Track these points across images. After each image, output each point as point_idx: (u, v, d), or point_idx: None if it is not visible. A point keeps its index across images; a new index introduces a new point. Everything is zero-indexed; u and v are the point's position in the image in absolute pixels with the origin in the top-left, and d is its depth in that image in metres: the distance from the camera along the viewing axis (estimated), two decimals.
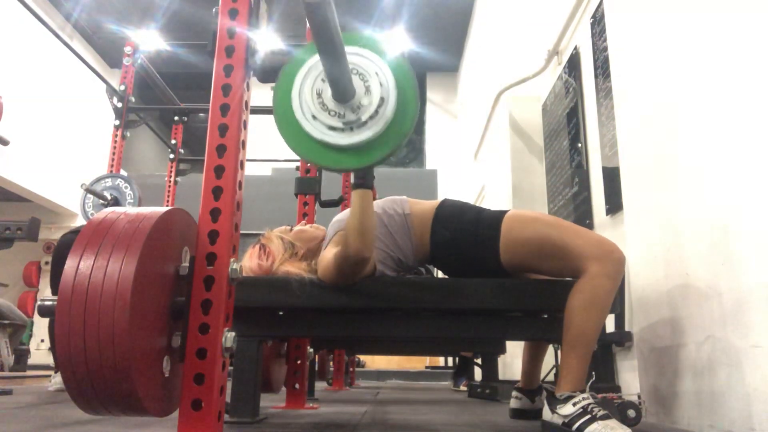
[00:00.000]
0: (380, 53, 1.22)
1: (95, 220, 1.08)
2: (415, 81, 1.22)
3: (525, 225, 1.52)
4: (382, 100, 1.16)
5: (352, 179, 1.36)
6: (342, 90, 1.14)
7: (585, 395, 1.33)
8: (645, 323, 1.93)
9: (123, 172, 4.04)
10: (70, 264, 1.01)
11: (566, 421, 1.31)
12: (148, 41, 8.23)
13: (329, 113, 1.16)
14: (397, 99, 1.17)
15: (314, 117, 1.17)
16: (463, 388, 4.35)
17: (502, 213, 1.56)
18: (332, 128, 1.16)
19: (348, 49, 1.15)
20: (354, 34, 1.24)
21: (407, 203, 1.64)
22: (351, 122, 1.16)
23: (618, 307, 2.36)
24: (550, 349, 2.16)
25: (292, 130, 1.19)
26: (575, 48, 3.36)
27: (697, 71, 1.64)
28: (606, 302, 1.41)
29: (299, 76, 1.21)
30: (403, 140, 1.18)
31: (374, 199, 1.47)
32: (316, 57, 1.20)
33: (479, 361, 3.65)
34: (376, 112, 1.16)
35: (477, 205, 1.69)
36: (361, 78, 1.19)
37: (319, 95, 1.18)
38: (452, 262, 1.59)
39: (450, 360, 6.49)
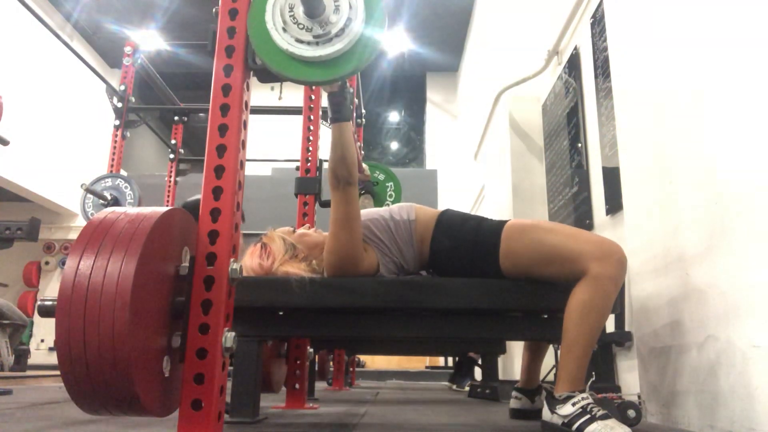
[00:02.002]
0: None
1: (95, 220, 1.08)
2: (383, 8, 1.28)
3: (524, 233, 1.52)
4: (349, 19, 1.23)
5: (329, 113, 1.47)
6: (312, 5, 1.21)
7: (584, 395, 1.33)
8: (645, 323, 1.93)
9: (123, 172, 4.04)
10: (69, 264, 1.01)
11: (566, 421, 1.31)
12: (148, 41, 8.25)
13: (298, 26, 1.23)
14: (365, 19, 1.24)
15: (284, 29, 1.23)
16: (466, 388, 4.37)
17: (502, 223, 1.57)
18: (300, 41, 1.22)
19: None
20: None
21: (413, 210, 1.65)
22: (319, 36, 1.22)
23: (618, 307, 2.35)
24: (550, 349, 2.16)
25: (263, 41, 1.24)
26: (575, 48, 3.36)
27: (697, 71, 1.64)
28: (607, 303, 1.41)
29: None
30: (371, 55, 1.24)
31: (355, 133, 1.52)
32: None
33: (479, 361, 3.65)
34: (342, 29, 1.22)
35: (478, 208, 1.70)
36: None
37: (291, 9, 1.25)
38: (452, 269, 1.60)
39: (450, 360, 6.49)
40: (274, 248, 1.62)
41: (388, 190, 3.36)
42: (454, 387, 4.55)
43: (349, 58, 1.23)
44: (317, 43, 1.22)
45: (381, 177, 3.36)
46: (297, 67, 1.23)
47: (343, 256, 1.51)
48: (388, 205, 3.24)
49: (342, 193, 1.49)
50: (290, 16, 1.24)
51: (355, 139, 1.49)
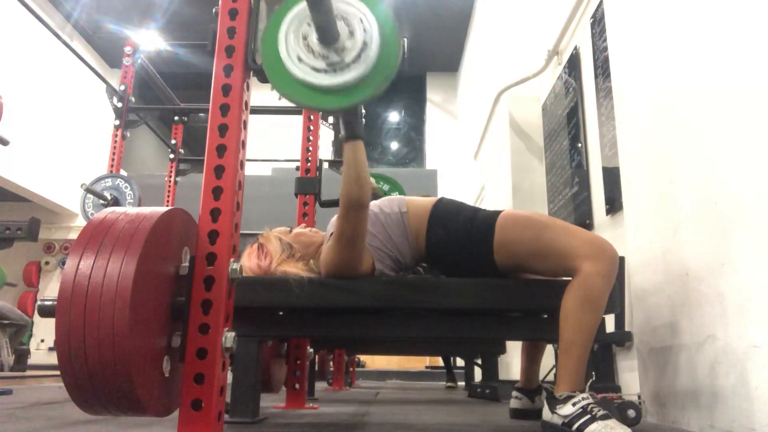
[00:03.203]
0: (365, 1, 1.26)
1: (95, 220, 1.08)
2: (398, 30, 1.26)
3: (518, 224, 1.52)
4: (365, 44, 1.21)
5: (342, 131, 1.41)
6: (326, 33, 1.19)
7: (584, 395, 1.33)
8: (645, 323, 1.93)
9: (123, 172, 4.04)
10: (69, 264, 1.01)
11: (566, 421, 1.31)
12: (148, 41, 8.25)
13: (314, 55, 1.21)
14: (380, 44, 1.21)
15: (300, 59, 1.21)
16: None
17: (497, 213, 1.56)
18: (316, 69, 1.20)
19: None
20: None
21: (404, 202, 1.64)
22: (335, 63, 1.20)
23: (618, 307, 2.35)
24: (551, 349, 2.16)
25: (278, 72, 1.22)
26: (575, 48, 3.36)
27: (697, 71, 1.64)
28: (601, 301, 1.41)
29: (287, 18, 1.25)
30: (387, 82, 1.22)
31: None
32: (303, 3, 1.25)
33: (479, 361, 3.65)
34: (359, 55, 1.20)
35: (475, 205, 1.69)
36: (346, 23, 1.23)
37: (305, 38, 1.23)
38: (447, 261, 1.60)
39: (454, 360, 6.49)
40: (271, 248, 1.62)
41: None
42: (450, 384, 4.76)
43: (367, 84, 1.20)
44: (334, 71, 1.19)
45: (386, 188, 3.36)
46: (313, 96, 1.20)
47: (342, 268, 1.51)
48: None
49: (354, 214, 1.44)
50: (304, 44, 1.21)
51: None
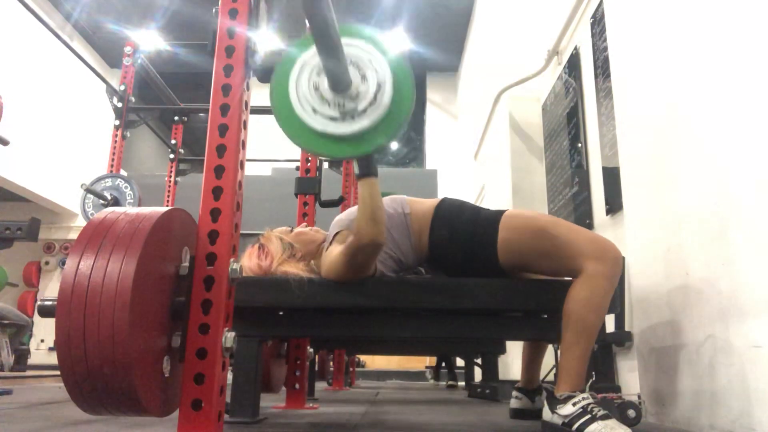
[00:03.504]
0: (373, 43, 1.25)
1: (95, 220, 1.08)
2: (409, 68, 1.24)
3: (522, 224, 1.52)
4: (379, 86, 1.19)
5: (356, 170, 1.37)
6: (339, 80, 1.17)
7: (585, 395, 1.33)
8: (645, 323, 1.93)
9: (123, 172, 4.04)
10: (69, 264, 1.01)
11: (566, 421, 1.31)
12: (148, 41, 8.25)
13: (329, 105, 1.19)
14: (394, 85, 1.20)
15: (315, 110, 1.20)
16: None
17: (500, 212, 1.56)
18: (333, 119, 1.19)
19: (342, 40, 1.18)
20: (347, 26, 1.26)
21: (407, 202, 1.64)
22: (351, 111, 1.18)
23: (618, 307, 2.36)
24: (550, 349, 2.16)
25: (294, 126, 1.21)
26: (575, 48, 3.36)
27: (697, 71, 1.64)
28: (603, 301, 1.41)
29: (294, 72, 1.24)
30: (402, 127, 1.20)
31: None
32: (309, 52, 1.23)
33: (479, 361, 3.65)
34: (375, 98, 1.19)
35: (476, 204, 1.69)
36: (356, 67, 1.22)
37: (316, 88, 1.21)
38: (450, 261, 1.59)
39: (454, 360, 6.50)
40: (272, 248, 1.62)
41: None
42: (442, 383, 4.84)
43: (384, 128, 1.18)
44: (352, 117, 1.17)
45: None
46: (330, 145, 1.19)
47: (344, 281, 1.51)
48: None
49: (367, 252, 1.41)
50: (318, 95, 1.19)
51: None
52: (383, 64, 1.21)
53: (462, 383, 5.02)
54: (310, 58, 1.23)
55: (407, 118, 1.20)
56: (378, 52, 1.23)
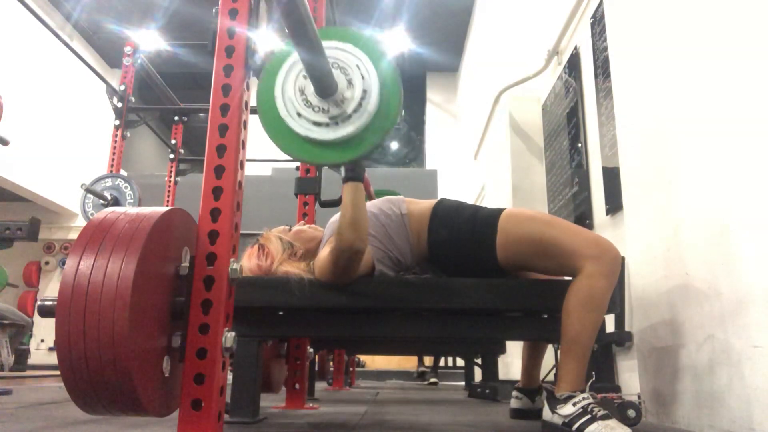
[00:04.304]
0: (361, 47, 1.22)
1: (95, 220, 1.08)
2: (397, 72, 1.22)
3: (521, 223, 1.52)
4: (365, 92, 1.17)
5: (342, 173, 1.36)
6: (324, 85, 1.14)
7: (585, 395, 1.33)
8: (645, 323, 1.93)
9: (123, 172, 4.04)
10: (69, 264, 1.01)
11: (566, 421, 1.31)
12: (148, 41, 8.25)
13: (313, 109, 1.17)
14: (380, 91, 1.17)
15: (299, 114, 1.18)
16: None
17: (499, 211, 1.56)
18: (317, 124, 1.17)
19: (328, 43, 1.17)
20: (334, 29, 1.25)
21: (404, 203, 1.64)
22: (336, 116, 1.16)
23: (618, 307, 2.35)
24: (550, 348, 2.16)
25: (277, 128, 1.20)
26: (575, 48, 3.36)
27: (698, 71, 1.64)
28: (603, 301, 1.41)
29: (281, 73, 1.22)
30: (387, 132, 1.18)
31: (367, 191, 1.46)
32: (297, 55, 1.21)
33: (479, 361, 3.65)
34: (360, 104, 1.16)
35: (475, 204, 1.69)
36: (343, 72, 1.19)
37: (302, 92, 1.19)
38: (450, 261, 1.59)
39: (450, 360, 6.50)
40: (272, 248, 1.61)
41: None
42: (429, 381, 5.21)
43: (370, 134, 1.16)
44: (336, 123, 1.15)
45: None
46: (315, 151, 1.16)
47: (333, 283, 1.51)
48: None
49: (347, 257, 1.40)
50: (302, 99, 1.17)
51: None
52: (371, 69, 1.19)
53: (460, 383, 5.02)
54: (298, 59, 1.21)
55: (393, 126, 1.18)
56: (366, 56, 1.21)
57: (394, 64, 1.22)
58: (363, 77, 1.18)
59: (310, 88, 1.17)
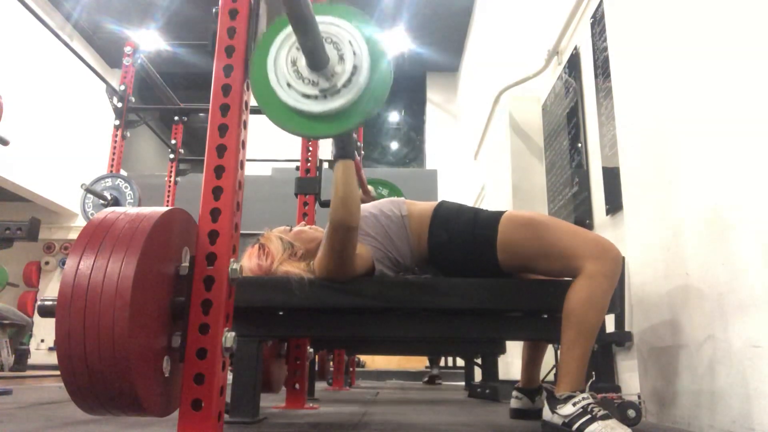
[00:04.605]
0: (354, 22, 1.24)
1: (95, 220, 1.08)
2: (388, 51, 1.24)
3: (522, 225, 1.52)
4: (355, 68, 1.18)
5: (333, 151, 1.39)
6: (316, 58, 1.16)
7: (585, 395, 1.33)
8: (645, 323, 1.93)
9: (123, 172, 4.04)
10: (69, 264, 1.01)
11: (566, 421, 1.31)
12: (148, 41, 8.25)
13: (304, 81, 1.18)
14: (371, 67, 1.19)
15: (289, 85, 1.19)
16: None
17: (500, 213, 1.56)
18: (306, 96, 1.18)
19: (322, 18, 1.18)
20: (329, 6, 1.26)
21: (404, 205, 1.64)
22: (325, 89, 1.17)
23: (618, 307, 2.35)
24: (551, 348, 2.16)
25: (268, 99, 1.21)
26: (575, 48, 3.36)
27: (698, 71, 1.64)
28: (604, 301, 1.41)
29: (275, 45, 1.23)
30: (377, 108, 1.20)
31: (358, 175, 1.47)
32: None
33: (479, 361, 3.66)
34: (350, 80, 1.18)
35: (475, 205, 1.69)
36: (335, 47, 1.21)
37: (294, 63, 1.20)
38: (450, 263, 1.59)
39: (451, 360, 6.51)
40: (272, 248, 1.62)
41: None
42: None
43: (358, 110, 1.18)
44: (324, 97, 1.17)
45: (385, 192, 3.35)
46: (304, 123, 1.18)
47: (335, 277, 1.52)
48: None
49: (340, 235, 1.42)
50: (294, 70, 1.19)
51: (355, 140, 1.47)
52: (363, 46, 1.21)
53: (461, 383, 5.02)
54: (292, 32, 1.22)
55: (382, 102, 1.20)
56: (359, 34, 1.22)
57: (386, 43, 1.23)
58: (355, 53, 1.19)
59: (302, 61, 1.19)
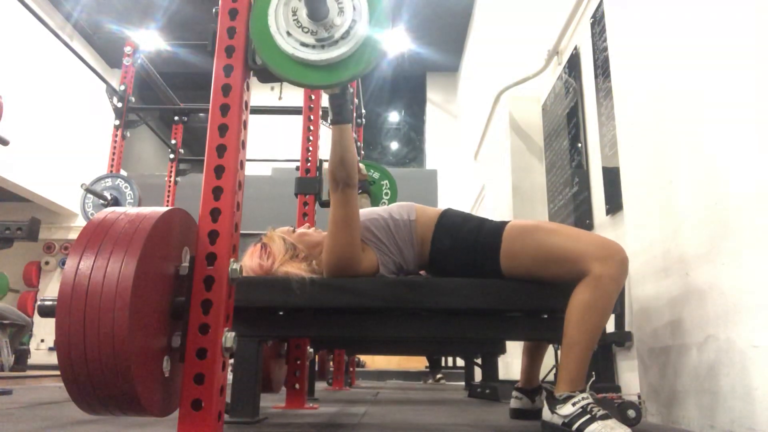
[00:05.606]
0: None
1: (95, 220, 1.08)
2: (388, 10, 1.28)
3: (525, 233, 1.51)
4: (354, 21, 1.23)
5: (330, 115, 1.46)
6: (316, 9, 1.20)
7: (585, 395, 1.33)
8: (645, 323, 1.93)
9: (123, 172, 4.04)
10: (69, 264, 1.01)
11: (566, 421, 1.31)
12: (148, 41, 8.26)
13: (302, 30, 1.23)
14: (369, 22, 1.23)
15: (288, 33, 1.23)
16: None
17: (504, 223, 1.56)
18: (304, 44, 1.22)
19: None
20: None
21: (414, 210, 1.64)
22: (323, 39, 1.22)
23: (618, 307, 2.36)
24: (550, 348, 2.16)
25: (266, 44, 1.24)
26: (575, 48, 3.37)
27: (697, 70, 1.64)
28: (608, 303, 1.41)
29: None
30: (372, 62, 1.23)
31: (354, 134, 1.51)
32: None
33: (479, 361, 3.66)
34: (348, 32, 1.22)
35: (477, 208, 1.70)
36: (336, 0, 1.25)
37: (294, 13, 1.24)
38: (451, 269, 1.59)
39: (451, 360, 6.51)
40: (274, 248, 1.61)
41: (384, 188, 3.36)
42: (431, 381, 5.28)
43: (354, 62, 1.22)
44: (322, 47, 1.21)
45: (376, 176, 3.35)
46: (300, 71, 1.23)
47: (341, 257, 1.51)
48: (384, 203, 3.24)
49: (341, 195, 1.49)
50: (294, 19, 1.23)
51: (354, 140, 1.49)
52: (363, 1, 1.25)
53: (461, 383, 5.02)
54: None
55: (381, 51, 1.24)
56: None
57: (386, 2, 1.27)
58: (354, 8, 1.24)
59: (303, 11, 1.23)
